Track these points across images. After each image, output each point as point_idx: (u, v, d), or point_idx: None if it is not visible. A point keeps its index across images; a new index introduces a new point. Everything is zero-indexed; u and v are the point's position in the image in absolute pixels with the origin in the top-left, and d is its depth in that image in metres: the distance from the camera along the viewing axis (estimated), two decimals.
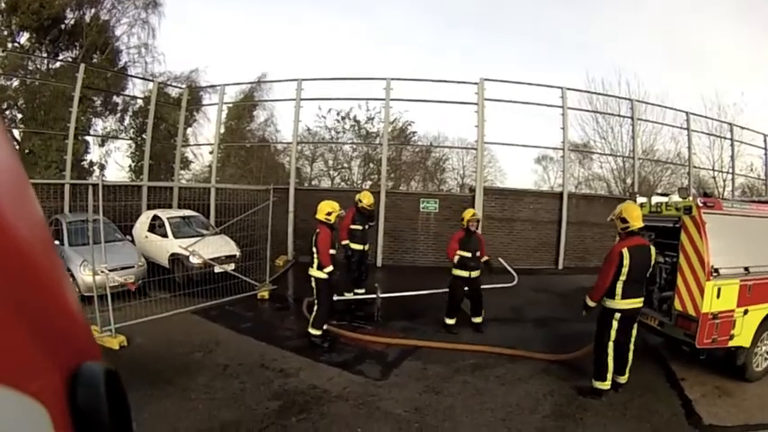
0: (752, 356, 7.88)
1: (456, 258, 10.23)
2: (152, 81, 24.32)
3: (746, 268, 7.65)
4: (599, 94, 26.19)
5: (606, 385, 7.28)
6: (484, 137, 19.41)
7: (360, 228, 11.78)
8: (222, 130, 23.79)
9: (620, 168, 28.01)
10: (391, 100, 19.64)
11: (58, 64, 24.80)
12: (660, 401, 7.29)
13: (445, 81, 19.73)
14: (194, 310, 11.16)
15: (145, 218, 15.54)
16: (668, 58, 51.12)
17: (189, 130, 25.98)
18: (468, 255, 10.17)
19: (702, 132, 24.05)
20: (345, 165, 29.53)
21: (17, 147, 20.93)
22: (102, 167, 26.07)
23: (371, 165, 27.85)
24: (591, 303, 7.49)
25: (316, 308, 9.32)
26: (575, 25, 53.80)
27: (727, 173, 25.06)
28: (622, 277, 7.00)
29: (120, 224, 13.56)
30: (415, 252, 19.22)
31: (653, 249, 7.36)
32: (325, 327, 9.38)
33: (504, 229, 19.05)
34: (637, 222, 7.18)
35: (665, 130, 24.40)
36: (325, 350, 9.04)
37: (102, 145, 26.19)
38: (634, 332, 7.42)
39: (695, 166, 23.26)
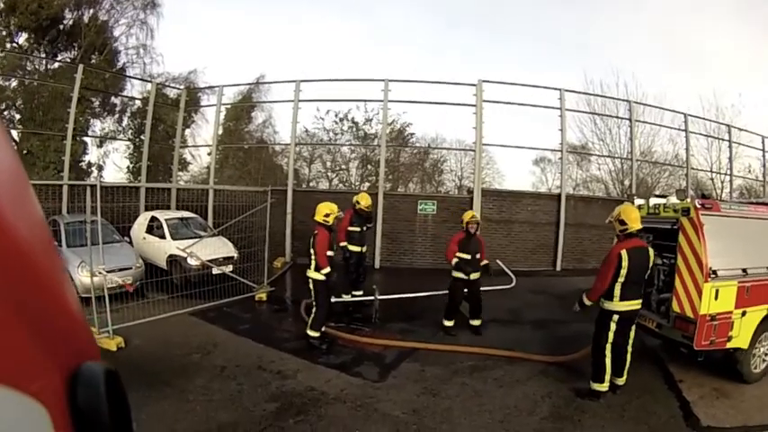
0: (750, 358, 7.89)
1: (454, 261, 10.23)
2: (150, 82, 24.27)
3: (744, 270, 7.66)
4: (597, 95, 26.21)
5: (604, 387, 7.29)
6: (482, 138, 19.39)
7: (358, 229, 11.80)
8: (220, 132, 23.77)
9: (618, 170, 28.03)
10: (389, 101, 19.62)
11: (56, 64, 24.79)
12: (658, 403, 7.29)
13: (443, 83, 19.78)
14: (192, 311, 11.15)
15: (143, 219, 15.50)
16: (666, 59, 51.24)
17: (187, 132, 25.96)
18: (468, 257, 10.16)
19: (700, 134, 24.09)
20: (343, 166, 29.52)
21: (15, 147, 20.92)
22: (100, 168, 26.16)
23: (369, 166, 27.80)
24: (587, 302, 7.52)
25: (314, 310, 9.31)
26: (574, 25, 54.08)
27: (725, 174, 25.08)
28: (621, 279, 7.00)
29: (118, 225, 13.58)
30: (413, 254, 19.22)
31: (651, 251, 7.36)
32: (323, 328, 9.38)
33: (502, 231, 19.06)
34: (635, 224, 7.19)
35: (663, 131, 24.43)
36: (324, 352, 9.04)
37: (100, 146, 26.22)
38: (632, 334, 7.42)
39: (693, 168, 23.31)
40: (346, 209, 11.41)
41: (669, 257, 8.33)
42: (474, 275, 10.26)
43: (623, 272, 6.98)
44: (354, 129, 28.10)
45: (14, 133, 22.54)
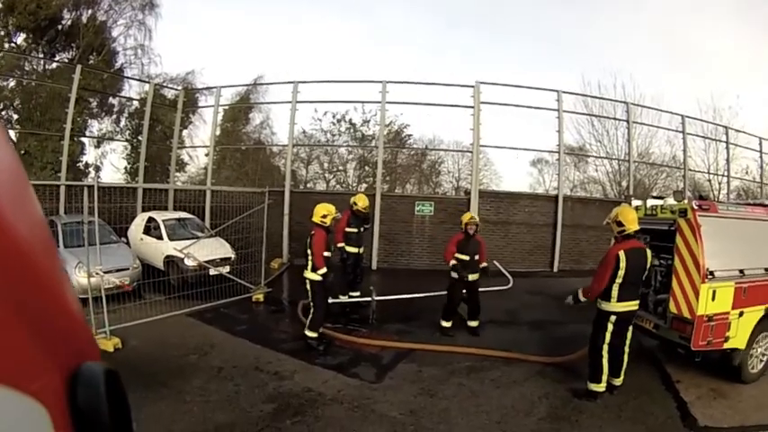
0: (747, 358, 7.90)
1: (452, 262, 10.23)
2: (148, 83, 24.22)
3: (741, 271, 7.68)
4: (595, 97, 26.20)
5: (601, 387, 7.29)
6: (479, 140, 19.40)
7: (355, 231, 11.81)
8: (218, 133, 23.69)
9: (616, 171, 28.02)
10: (387, 103, 19.60)
11: (54, 65, 24.78)
12: (655, 404, 7.30)
13: (441, 84, 19.82)
14: (189, 312, 11.14)
15: (140, 220, 15.51)
16: (664, 60, 51.27)
17: (185, 132, 26.04)
18: (466, 258, 10.16)
19: (698, 135, 24.09)
20: (341, 167, 29.49)
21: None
22: (97, 169, 26.11)
23: (367, 168, 27.79)
24: (581, 299, 7.58)
25: (312, 310, 9.31)
26: (572, 26, 54.09)
27: (723, 176, 25.08)
28: (618, 280, 7.01)
29: (116, 226, 13.60)
30: (410, 255, 19.21)
31: (649, 252, 7.37)
32: (320, 329, 9.38)
33: (499, 232, 19.04)
34: (632, 225, 7.20)
35: (661, 133, 24.36)
36: (321, 353, 9.04)
37: (97, 146, 26.19)
38: (629, 334, 7.43)
39: (690, 169, 23.36)
40: (344, 210, 11.41)
41: (666, 258, 8.34)
42: (472, 277, 10.25)
43: (621, 273, 6.98)
44: (352, 130, 28.07)
45: (12, 133, 22.47)
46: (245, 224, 13.67)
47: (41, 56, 24.75)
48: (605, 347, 7.22)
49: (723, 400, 7.42)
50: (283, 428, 6.29)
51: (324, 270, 9.06)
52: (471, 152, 19.93)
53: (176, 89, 25.32)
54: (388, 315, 11.26)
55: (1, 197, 0.76)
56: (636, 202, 9.08)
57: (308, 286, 9.26)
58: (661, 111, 23.23)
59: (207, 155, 22.73)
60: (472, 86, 19.23)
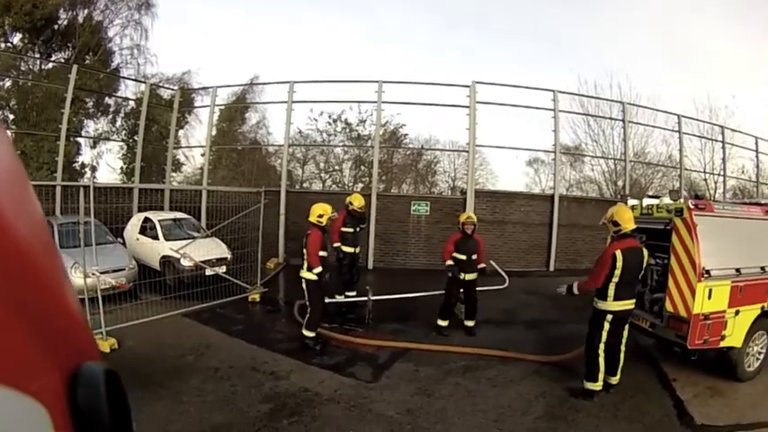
0: (743, 356, 7.92)
1: (448, 262, 10.24)
2: (144, 83, 24.29)
3: (738, 269, 7.70)
4: (591, 97, 26.18)
5: (598, 386, 7.30)
6: (475, 139, 19.43)
7: (351, 230, 11.82)
8: (214, 132, 23.70)
9: (612, 171, 28.06)
10: (383, 102, 19.63)
11: (50, 65, 24.71)
12: (652, 402, 7.32)
13: (437, 84, 19.83)
14: (185, 312, 11.13)
15: (136, 220, 15.47)
16: (661, 61, 51.27)
17: (181, 132, 25.94)
18: (463, 257, 10.17)
19: (694, 135, 24.12)
20: (337, 167, 29.48)
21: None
22: (93, 169, 26.00)
23: (363, 167, 27.82)
24: (575, 291, 7.59)
25: (309, 310, 9.31)
26: (571, 26, 54.01)
27: (719, 175, 25.16)
28: (615, 279, 7.02)
29: (112, 226, 13.51)
30: (406, 255, 19.23)
31: (645, 252, 7.38)
32: (317, 329, 9.39)
33: (495, 232, 19.02)
34: (629, 224, 7.21)
35: (657, 132, 24.45)
36: (317, 352, 9.04)
37: (93, 147, 26.09)
38: (625, 333, 7.45)
39: (686, 169, 23.41)
40: (340, 210, 11.40)
41: (662, 257, 8.35)
42: (469, 276, 10.26)
43: (617, 272, 6.99)
44: (348, 130, 28.09)
45: (8, 134, 22.45)
46: (242, 224, 13.65)
47: (37, 56, 24.70)
48: (602, 346, 7.23)
49: (719, 399, 7.44)
50: (280, 428, 6.29)
51: (319, 269, 9.05)
52: (467, 152, 19.98)
53: (172, 89, 25.31)
54: (384, 315, 11.24)
55: (1, 197, 0.76)
56: (632, 202, 9.10)
57: (304, 285, 9.25)
58: (657, 110, 23.34)
59: (203, 155, 22.78)
60: (468, 86, 19.26)
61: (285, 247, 18.86)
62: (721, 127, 24.63)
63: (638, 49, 52.54)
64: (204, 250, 13.19)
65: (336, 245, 11.63)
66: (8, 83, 23.62)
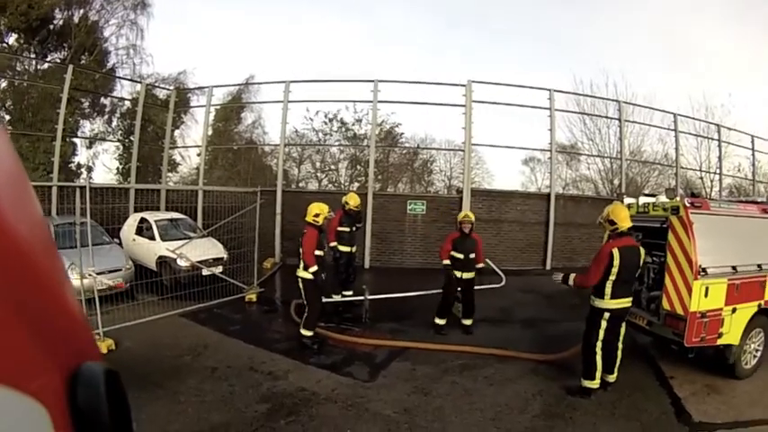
0: (741, 354, 7.94)
1: (445, 261, 10.26)
2: (140, 82, 24.21)
3: (734, 267, 7.72)
4: (586, 95, 26.22)
5: (595, 384, 7.31)
6: (471, 138, 19.42)
7: (347, 230, 11.81)
8: (210, 132, 23.71)
9: (608, 169, 28.04)
10: (379, 102, 19.62)
11: (46, 65, 24.73)
12: (649, 400, 7.32)
13: (433, 83, 19.83)
14: (182, 313, 11.12)
15: (132, 220, 15.47)
16: (658, 60, 51.56)
17: (176, 132, 25.95)
18: (461, 256, 10.18)
19: (690, 133, 24.21)
20: (333, 167, 29.46)
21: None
22: (89, 170, 26.09)
23: (359, 167, 27.76)
24: (571, 284, 7.60)
25: (306, 309, 9.32)
26: (569, 26, 54.06)
27: (715, 173, 25.19)
28: (612, 277, 7.03)
29: (108, 227, 13.52)
30: (403, 254, 19.23)
31: (642, 250, 7.39)
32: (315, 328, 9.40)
33: (491, 231, 19.01)
34: (625, 223, 7.22)
35: (653, 131, 24.51)
36: (315, 352, 9.04)
37: (89, 147, 26.19)
38: (622, 331, 7.45)
39: (682, 167, 23.48)
40: (336, 209, 11.40)
41: (659, 256, 8.37)
42: (467, 275, 10.28)
43: (614, 270, 7.00)
44: (344, 129, 28.07)
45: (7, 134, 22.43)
46: (238, 224, 13.66)
47: (33, 56, 24.73)
48: (599, 344, 7.24)
49: (717, 396, 7.45)
50: (278, 428, 6.29)
51: (314, 268, 9.06)
52: (463, 151, 19.98)
53: (168, 89, 25.32)
54: (381, 314, 11.26)
55: (1, 197, 0.76)
56: (628, 200, 9.11)
57: (301, 285, 9.26)
58: (653, 109, 23.41)
59: (199, 155, 22.72)
60: (464, 85, 19.25)
61: (281, 246, 18.86)
62: (717, 125, 24.67)
63: (638, 48, 52.81)
64: (201, 250, 13.18)
65: (333, 244, 11.61)
66: (4, 83, 23.66)
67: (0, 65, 23.36)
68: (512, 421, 6.69)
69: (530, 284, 15.64)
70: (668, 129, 22.79)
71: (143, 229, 14.78)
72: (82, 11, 25.81)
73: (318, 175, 29.75)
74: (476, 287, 10.65)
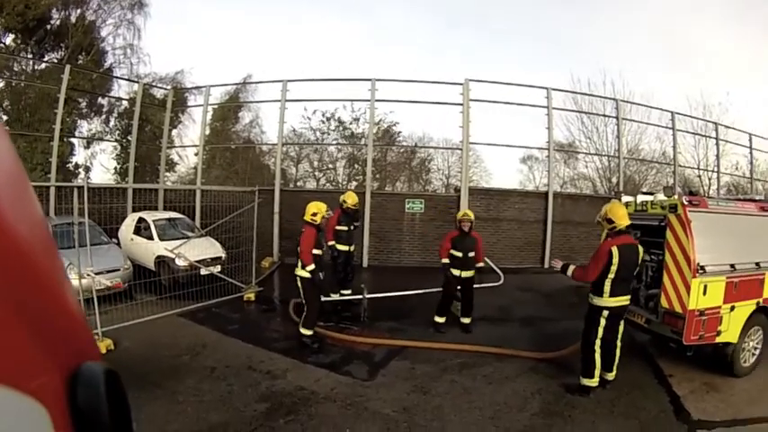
0: (739, 352, 7.96)
1: (444, 260, 10.27)
2: (137, 82, 24.18)
3: (732, 265, 7.73)
4: (584, 94, 26.16)
5: (594, 382, 7.32)
6: (469, 137, 19.44)
7: (345, 229, 11.80)
8: (207, 132, 23.66)
9: (606, 168, 28.03)
10: (376, 101, 19.61)
11: (43, 65, 24.69)
12: (648, 398, 7.33)
13: (430, 82, 19.79)
14: (181, 312, 11.11)
15: (130, 220, 15.46)
16: (658, 60, 51.50)
17: (174, 132, 25.99)
18: (459, 255, 10.19)
19: (687, 132, 24.22)
20: (330, 166, 29.43)
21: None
22: (87, 170, 26.05)
23: (357, 166, 27.75)
24: (568, 274, 7.60)
25: (305, 308, 9.33)
26: (570, 26, 54.09)
27: (713, 171, 25.22)
28: (611, 275, 7.03)
29: (106, 227, 13.52)
30: (401, 252, 19.23)
31: (640, 248, 7.40)
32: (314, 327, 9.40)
33: (489, 229, 18.98)
34: (623, 221, 7.22)
35: (651, 129, 24.53)
36: (314, 351, 9.04)
37: (87, 147, 26.12)
38: (621, 329, 7.45)
39: (680, 165, 23.55)
40: (335, 208, 11.40)
41: (657, 254, 8.38)
42: (466, 274, 10.28)
43: (613, 268, 7.00)
44: (341, 128, 28.05)
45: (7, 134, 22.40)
46: (236, 223, 13.65)
47: (30, 56, 24.70)
48: (598, 342, 7.25)
49: (716, 394, 7.46)
50: (277, 427, 6.29)
51: (312, 267, 9.06)
52: (461, 149, 19.95)
53: (165, 89, 25.27)
54: (379, 313, 11.26)
55: (1, 197, 0.76)
56: (626, 198, 9.12)
57: (299, 284, 9.26)
58: (651, 107, 23.43)
59: (196, 154, 22.68)
60: (461, 84, 19.27)
61: (280, 245, 18.86)
62: (715, 124, 24.71)
63: (638, 48, 52.82)
64: (199, 250, 13.20)
65: (331, 243, 11.61)
66: (1, 84, 23.60)
67: None
68: (511, 420, 6.69)
69: (528, 283, 15.65)
70: (666, 127, 22.83)
71: (141, 229, 14.78)
72: (79, 11, 25.78)
73: (316, 174, 29.73)
74: (475, 286, 10.65)
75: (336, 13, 59.25)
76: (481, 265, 10.62)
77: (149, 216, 14.93)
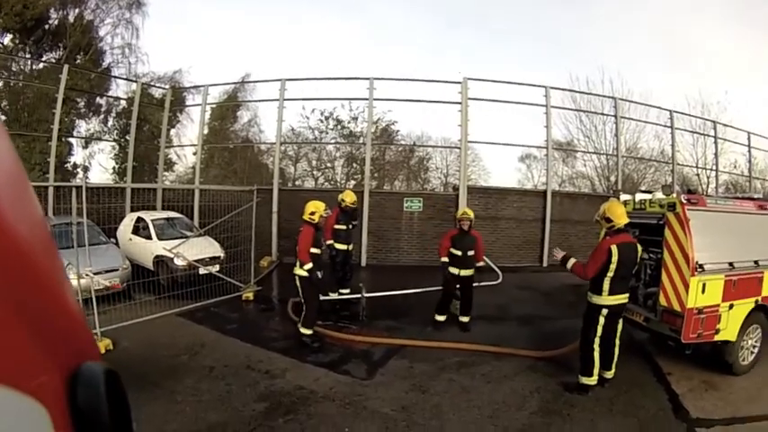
0: (738, 350, 7.96)
1: (443, 258, 10.28)
2: (136, 82, 24.23)
3: (731, 263, 7.74)
4: (583, 92, 26.14)
5: (593, 381, 7.33)
6: (467, 136, 19.46)
7: (344, 227, 11.79)
8: (206, 131, 23.71)
9: (604, 166, 28.03)
10: (375, 99, 19.64)
11: (41, 65, 24.64)
12: (647, 396, 7.34)
13: (429, 80, 19.78)
14: (179, 312, 11.10)
15: (129, 220, 15.46)
16: (657, 59, 51.45)
17: (172, 131, 25.93)
18: (458, 253, 10.19)
19: (686, 130, 24.24)
20: (329, 165, 29.39)
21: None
22: (85, 169, 25.93)
23: (355, 164, 27.72)
24: (568, 266, 7.62)
25: (304, 307, 9.34)
26: (568, 26, 54.05)
27: (711, 170, 25.23)
28: (610, 273, 7.04)
29: (104, 227, 13.50)
30: (399, 251, 19.25)
31: (639, 246, 7.41)
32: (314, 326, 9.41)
33: (488, 228, 18.95)
34: (621, 219, 7.23)
35: (649, 127, 24.51)
36: (314, 350, 9.04)
37: (85, 147, 26.04)
38: (619, 327, 7.47)
39: (679, 164, 23.52)
40: (333, 207, 11.39)
41: (656, 252, 8.38)
42: (464, 272, 10.28)
43: (613, 267, 7.01)
44: (340, 127, 28.04)
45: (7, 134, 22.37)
46: (234, 223, 13.63)
47: (28, 56, 24.66)
48: (597, 341, 7.26)
49: (714, 392, 7.47)
50: (276, 427, 6.29)
51: (309, 265, 9.06)
52: (459, 148, 19.97)
53: (164, 88, 25.24)
54: (378, 312, 11.27)
55: (1, 197, 0.76)
56: (624, 197, 9.14)
57: (298, 283, 9.27)
58: (649, 106, 23.44)
59: (195, 154, 22.71)
60: (459, 82, 19.30)
61: (278, 245, 18.84)
62: (713, 122, 24.75)
63: (638, 48, 52.72)
64: (197, 249, 13.18)
65: (329, 242, 11.59)
66: None
67: None
68: (509, 418, 6.69)
69: (527, 281, 15.70)
70: (664, 125, 22.85)
71: (140, 229, 14.77)
72: (77, 10, 25.73)
73: (315, 173, 29.68)
74: (474, 284, 10.65)
75: (336, 12, 59.16)
76: (481, 264, 10.61)
77: (148, 216, 14.94)
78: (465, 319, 10.49)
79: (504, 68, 52.73)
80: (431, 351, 9.14)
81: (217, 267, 13.30)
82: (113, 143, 26.29)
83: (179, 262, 12.76)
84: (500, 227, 19.54)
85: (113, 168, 26.29)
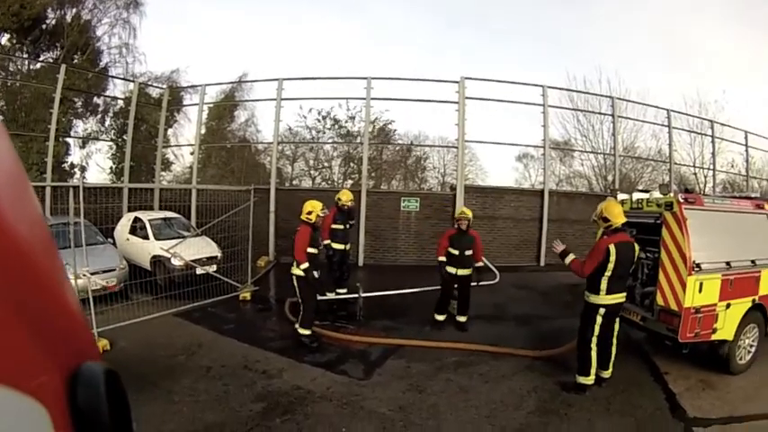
0: (735, 349, 7.97)
1: (441, 258, 10.28)
2: (133, 81, 24.19)
3: (728, 263, 7.75)
4: (580, 92, 26.27)
5: (590, 380, 7.33)
6: (465, 135, 19.47)
7: (341, 227, 11.79)
8: (203, 131, 23.69)
9: (601, 165, 28.11)
10: (372, 99, 19.63)
11: (38, 65, 24.63)
12: (644, 396, 7.34)
13: (426, 80, 19.78)
14: (176, 312, 11.09)
15: (126, 220, 15.43)
16: (657, 59, 51.52)
17: (170, 131, 25.83)
18: (455, 252, 10.18)
19: (683, 129, 24.29)
20: (326, 164, 29.42)
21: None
22: (83, 169, 25.92)
23: (352, 164, 27.78)
24: (566, 262, 7.62)
25: (302, 307, 9.34)
26: (568, 26, 54.11)
27: (708, 169, 25.29)
28: (608, 273, 7.04)
29: (102, 227, 13.49)
30: (397, 251, 19.24)
31: (636, 246, 7.42)
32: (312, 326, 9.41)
33: (485, 227, 18.93)
34: (619, 219, 7.24)
35: (646, 127, 24.60)
36: (311, 350, 9.03)
37: (82, 147, 26.01)
38: (617, 326, 7.50)
39: (676, 163, 23.51)
40: (330, 207, 11.39)
41: (653, 251, 8.39)
42: (462, 272, 10.28)
43: (610, 266, 7.02)
44: (337, 126, 28.05)
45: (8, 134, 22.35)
46: (231, 222, 13.61)
47: (25, 56, 24.64)
48: (594, 340, 7.26)
49: (711, 392, 7.47)
50: (273, 427, 6.28)
51: (305, 265, 9.05)
52: (457, 147, 19.99)
53: (161, 88, 25.19)
54: (375, 311, 11.28)
55: (1, 197, 0.77)
56: (622, 196, 9.16)
57: (295, 282, 9.26)
58: (646, 105, 23.49)
59: (192, 153, 22.80)
60: (457, 82, 19.29)
61: (275, 245, 18.83)
62: (711, 121, 24.77)
63: (638, 48, 52.83)
64: (194, 249, 13.16)
65: (326, 242, 11.59)
66: None
67: None
68: (507, 418, 6.70)
69: (524, 281, 15.72)
70: (662, 125, 22.85)
71: (137, 229, 14.75)
72: (74, 10, 25.73)
73: (312, 172, 29.71)
74: (471, 284, 10.65)
75: (336, 12, 59.22)
76: (481, 264, 10.61)
77: (145, 216, 14.91)
78: (462, 318, 10.49)
79: (504, 68, 53.06)
80: (428, 351, 9.14)
81: (214, 267, 13.31)
82: (110, 143, 26.28)
83: (176, 262, 12.74)
84: (497, 226, 19.55)
85: (110, 168, 26.27)
